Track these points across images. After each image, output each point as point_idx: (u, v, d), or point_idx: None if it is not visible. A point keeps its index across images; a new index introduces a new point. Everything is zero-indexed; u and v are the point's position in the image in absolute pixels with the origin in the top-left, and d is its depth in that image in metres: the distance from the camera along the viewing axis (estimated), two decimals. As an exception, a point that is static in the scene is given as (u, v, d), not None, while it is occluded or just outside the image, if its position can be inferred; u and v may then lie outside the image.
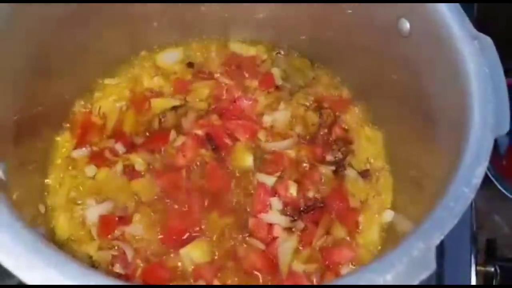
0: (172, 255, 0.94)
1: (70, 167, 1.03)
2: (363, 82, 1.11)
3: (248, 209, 0.99)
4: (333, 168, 1.05)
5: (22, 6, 0.83)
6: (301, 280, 0.94)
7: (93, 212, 0.97)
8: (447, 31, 0.82)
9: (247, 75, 1.15)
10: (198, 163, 1.03)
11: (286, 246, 0.95)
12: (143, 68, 1.15)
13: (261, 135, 1.08)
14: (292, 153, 1.06)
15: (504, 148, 1.32)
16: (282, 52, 1.19)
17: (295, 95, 1.13)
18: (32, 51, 0.89)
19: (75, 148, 1.05)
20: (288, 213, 0.99)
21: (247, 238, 0.96)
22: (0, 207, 0.65)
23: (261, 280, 0.94)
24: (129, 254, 0.93)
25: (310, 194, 1.01)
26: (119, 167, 1.02)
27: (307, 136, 1.09)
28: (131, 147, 1.05)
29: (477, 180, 0.70)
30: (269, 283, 0.93)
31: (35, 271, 0.60)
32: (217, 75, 1.15)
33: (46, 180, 1.01)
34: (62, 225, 0.97)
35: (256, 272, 0.94)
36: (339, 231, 0.99)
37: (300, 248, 0.97)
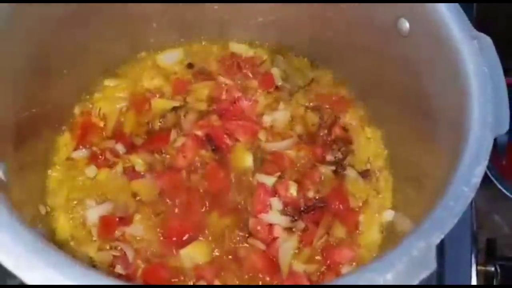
0: (172, 255, 0.94)
1: (70, 168, 1.03)
2: (363, 82, 1.11)
3: (249, 209, 0.99)
4: (333, 168, 1.05)
5: (22, 6, 0.83)
6: (301, 280, 0.94)
7: (94, 212, 0.97)
8: (447, 31, 0.82)
9: (247, 76, 1.15)
10: (198, 164, 1.03)
11: (286, 246, 0.95)
12: (143, 68, 1.15)
13: (261, 135, 1.08)
14: (292, 153, 1.06)
15: (504, 147, 1.32)
16: (282, 53, 1.19)
17: (295, 95, 1.14)
18: (32, 51, 0.89)
19: (75, 149, 1.05)
20: (289, 213, 0.99)
21: (247, 239, 0.96)
22: (0, 207, 0.65)
23: (261, 281, 0.94)
24: (130, 254, 0.93)
25: (310, 194, 1.02)
26: (119, 167, 1.02)
27: (307, 136, 1.09)
28: (131, 148, 1.05)
29: (477, 179, 0.70)
30: (270, 283, 0.94)
31: (35, 271, 0.60)
32: (217, 76, 1.15)
33: (46, 181, 1.02)
34: (63, 225, 0.97)
35: (256, 273, 0.94)
36: (339, 231, 0.99)
37: (301, 248, 0.97)
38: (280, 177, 1.02)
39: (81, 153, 1.04)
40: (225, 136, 1.06)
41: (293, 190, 1.00)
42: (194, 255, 0.94)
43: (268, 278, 0.94)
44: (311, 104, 1.13)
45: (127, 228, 0.96)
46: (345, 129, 1.11)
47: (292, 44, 1.18)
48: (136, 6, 1.05)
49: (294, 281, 0.93)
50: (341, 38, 1.08)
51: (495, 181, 1.26)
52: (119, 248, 0.94)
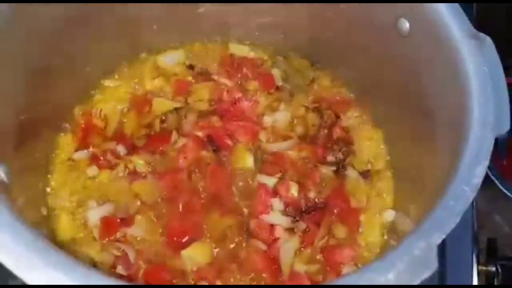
0: (173, 256, 0.94)
1: (71, 169, 1.03)
2: (363, 82, 1.11)
3: (250, 210, 0.99)
4: (334, 168, 1.05)
5: (22, 6, 0.83)
6: (302, 280, 0.94)
7: (95, 213, 0.97)
8: (447, 31, 0.82)
9: (247, 76, 1.15)
10: (199, 165, 1.03)
11: (287, 246, 0.95)
12: (144, 70, 1.15)
13: (262, 136, 1.08)
14: (293, 154, 1.06)
15: (504, 147, 1.32)
16: (282, 53, 1.19)
17: (295, 95, 1.14)
18: (33, 52, 0.89)
19: (76, 150, 1.05)
20: (290, 213, 0.99)
21: (248, 239, 0.96)
22: (1, 208, 0.65)
23: (262, 281, 0.93)
24: (131, 255, 0.93)
25: (311, 194, 1.02)
26: (120, 169, 1.02)
27: (307, 137, 1.09)
28: (132, 149, 1.05)
29: (478, 179, 0.70)
30: (271, 284, 0.94)
31: (36, 271, 0.60)
32: (217, 77, 1.15)
33: (47, 182, 1.02)
34: (64, 227, 0.97)
35: (257, 273, 0.94)
36: (341, 232, 0.99)
37: (302, 248, 0.97)
38: (281, 178, 1.02)
39: (82, 154, 1.04)
40: (226, 136, 1.06)
41: (294, 191, 1.00)
42: (195, 256, 0.94)
43: (269, 279, 0.94)
44: (311, 104, 1.13)
45: (129, 229, 0.96)
46: (345, 129, 1.11)
47: (293, 44, 1.18)
48: (136, 7, 1.05)
49: (295, 281, 0.93)
50: (341, 39, 1.08)
51: (495, 181, 1.26)
52: (120, 249, 0.94)
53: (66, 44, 0.97)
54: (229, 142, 1.06)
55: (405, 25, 0.89)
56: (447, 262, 1.07)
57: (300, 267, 0.95)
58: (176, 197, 0.99)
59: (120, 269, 0.92)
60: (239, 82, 1.14)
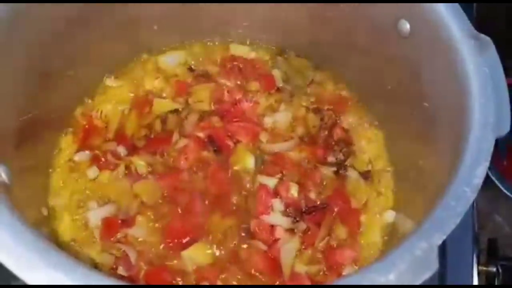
0: (174, 257, 0.94)
1: (72, 170, 1.03)
2: (363, 83, 1.11)
3: (250, 211, 0.99)
4: (334, 169, 1.05)
5: (23, 7, 0.83)
6: (303, 281, 0.94)
7: (96, 214, 0.98)
8: (447, 32, 0.82)
9: (247, 77, 1.15)
10: (200, 165, 1.03)
11: (288, 247, 0.95)
12: (144, 70, 1.15)
13: (262, 136, 1.08)
14: (293, 155, 1.06)
15: (504, 148, 1.32)
16: (283, 54, 1.20)
17: (295, 96, 1.14)
18: (33, 53, 0.89)
19: (77, 151, 1.05)
20: (290, 214, 0.99)
21: (249, 240, 0.96)
22: (1, 208, 0.65)
23: (263, 282, 0.93)
24: (132, 256, 0.93)
25: (312, 195, 1.02)
26: (121, 169, 1.02)
27: (308, 138, 1.09)
28: (133, 150, 1.05)
29: (478, 180, 0.70)
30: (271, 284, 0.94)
31: (36, 271, 0.60)
32: (218, 77, 1.15)
33: (48, 183, 1.02)
34: (65, 227, 0.97)
35: (258, 274, 0.94)
36: (341, 232, 0.99)
37: (302, 249, 0.97)
38: (281, 179, 1.02)
39: (83, 155, 1.04)
40: (226, 137, 1.06)
41: (294, 191, 1.00)
42: (196, 256, 0.94)
43: (270, 280, 0.94)
44: (312, 105, 1.13)
45: (129, 230, 0.96)
46: (345, 130, 1.11)
47: (293, 45, 1.19)
48: (136, 7, 1.05)
49: (296, 282, 0.94)
50: (341, 39, 1.08)
51: (496, 182, 1.26)
52: (121, 250, 0.94)
53: (67, 45, 0.97)
54: (229, 143, 1.06)
55: (406, 26, 0.89)
56: (447, 262, 1.07)
57: (301, 268, 0.95)
58: (176, 198, 0.99)
59: (121, 270, 0.92)
60: (239, 83, 1.14)
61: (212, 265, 0.94)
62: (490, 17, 1.37)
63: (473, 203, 0.70)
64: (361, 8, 0.97)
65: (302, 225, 0.98)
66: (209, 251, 0.95)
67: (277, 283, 0.93)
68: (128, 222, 0.97)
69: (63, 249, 0.92)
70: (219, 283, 0.92)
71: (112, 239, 0.96)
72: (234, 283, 0.93)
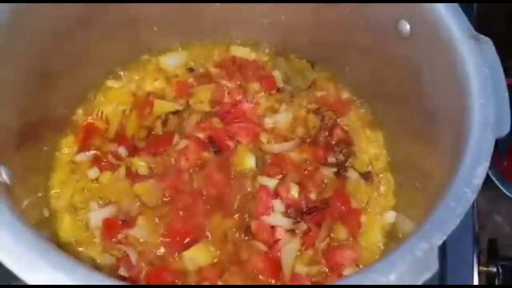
0: (175, 258, 0.94)
1: (73, 171, 1.03)
2: (363, 83, 1.11)
3: (251, 212, 0.99)
4: (335, 169, 1.05)
5: (23, 8, 0.83)
6: (304, 282, 0.94)
7: (97, 215, 0.98)
8: (447, 32, 0.82)
9: (248, 78, 1.15)
10: (200, 166, 1.03)
11: (289, 248, 0.96)
12: (145, 71, 1.16)
13: (263, 137, 1.08)
14: (294, 155, 1.06)
15: (505, 148, 1.32)
16: (283, 55, 1.20)
17: (296, 97, 1.14)
18: (34, 54, 0.89)
19: (78, 152, 1.05)
20: (291, 215, 0.99)
21: (250, 241, 0.96)
22: (1, 208, 0.65)
23: (264, 282, 0.94)
24: (133, 257, 0.93)
25: (312, 196, 1.02)
26: (122, 170, 1.02)
27: (308, 138, 1.09)
28: (134, 151, 1.05)
29: (478, 180, 0.70)
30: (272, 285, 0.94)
31: (36, 271, 0.60)
32: (218, 78, 1.15)
33: (49, 184, 1.02)
34: (66, 228, 0.97)
35: (259, 274, 0.94)
36: (342, 233, 0.99)
37: (303, 250, 0.97)
38: (282, 179, 1.02)
39: (84, 156, 1.04)
40: (227, 138, 1.06)
41: (294, 192, 1.00)
42: (196, 257, 0.94)
43: (270, 280, 0.94)
44: (312, 106, 1.13)
45: (130, 231, 0.96)
46: (346, 130, 1.11)
47: (293, 46, 1.19)
48: (136, 8, 1.05)
49: (296, 283, 0.94)
50: (341, 40, 1.08)
51: (496, 182, 1.26)
52: (122, 250, 0.94)
53: (67, 45, 0.97)
54: (230, 143, 1.06)
55: (406, 27, 0.89)
56: (448, 263, 1.07)
57: (301, 269, 0.95)
58: (177, 199, 0.99)
59: (122, 271, 0.92)
60: (240, 84, 1.15)
61: (213, 266, 0.94)
62: (490, 17, 1.37)
63: (473, 203, 0.70)
64: (361, 8, 0.98)
65: (303, 226, 0.98)
66: (210, 252, 0.95)
67: (278, 283, 0.93)
68: (129, 222, 0.97)
69: (64, 249, 0.93)
70: (219, 283, 0.93)
71: (113, 239, 0.96)
72: (235, 283, 0.93)
